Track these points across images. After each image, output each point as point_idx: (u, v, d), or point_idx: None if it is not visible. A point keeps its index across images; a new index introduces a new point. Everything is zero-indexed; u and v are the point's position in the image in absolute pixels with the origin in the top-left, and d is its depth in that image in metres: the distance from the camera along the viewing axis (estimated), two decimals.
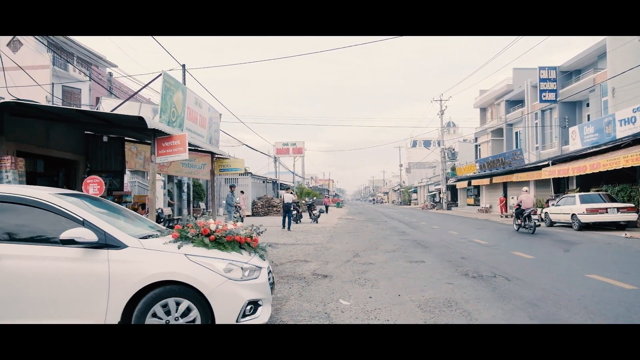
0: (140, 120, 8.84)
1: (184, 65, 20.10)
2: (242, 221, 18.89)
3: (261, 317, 4.40)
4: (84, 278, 4.01)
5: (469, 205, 45.26)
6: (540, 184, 28.40)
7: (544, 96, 29.22)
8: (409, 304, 6.00)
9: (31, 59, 23.58)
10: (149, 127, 8.87)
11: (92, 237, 4.03)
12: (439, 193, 51.54)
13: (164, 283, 4.09)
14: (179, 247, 4.34)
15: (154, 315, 4.04)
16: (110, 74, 28.97)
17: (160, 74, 10.27)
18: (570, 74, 29.34)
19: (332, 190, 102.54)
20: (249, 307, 4.30)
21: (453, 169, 49.11)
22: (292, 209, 21.58)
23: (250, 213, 29.49)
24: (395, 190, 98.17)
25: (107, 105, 15.14)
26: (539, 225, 16.68)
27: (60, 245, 4.04)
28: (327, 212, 37.97)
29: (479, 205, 40.56)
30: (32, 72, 19.90)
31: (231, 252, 4.53)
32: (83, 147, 13.04)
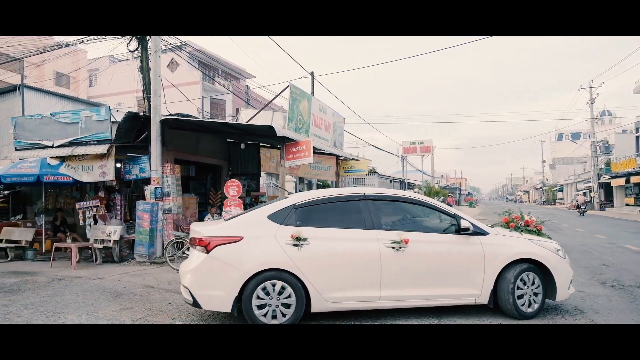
0: (270, 129, 9.84)
1: (312, 73, 21.35)
2: None
3: (571, 288, 5.52)
4: (467, 257, 5.21)
5: (627, 205, 39.42)
6: None
7: None
8: None
9: (185, 76, 27.21)
10: (277, 134, 9.82)
11: (470, 226, 5.26)
12: (590, 192, 45.86)
13: (522, 261, 5.24)
14: (520, 233, 5.54)
15: (520, 281, 5.19)
16: (248, 87, 31.93)
17: (288, 86, 11.19)
18: None
19: (465, 189, 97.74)
20: (571, 280, 5.49)
21: (607, 164, 43.25)
22: None
23: None
24: (537, 189, 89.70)
25: (245, 115, 16.87)
26: (586, 210, 33.48)
27: (441, 232, 5.33)
28: None
29: None
30: (186, 88, 23.02)
31: (544, 237, 5.66)
32: (226, 153, 14.79)
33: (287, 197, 5.57)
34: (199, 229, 5.20)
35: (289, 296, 4.81)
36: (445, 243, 5.24)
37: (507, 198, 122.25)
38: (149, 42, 11.38)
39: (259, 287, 4.76)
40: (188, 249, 9.31)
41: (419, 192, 23.85)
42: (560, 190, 67.93)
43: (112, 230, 10.43)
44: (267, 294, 4.78)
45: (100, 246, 10.37)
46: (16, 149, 11.57)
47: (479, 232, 5.32)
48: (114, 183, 12.15)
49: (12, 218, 13.18)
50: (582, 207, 33.27)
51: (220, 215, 10.94)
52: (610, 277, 7.93)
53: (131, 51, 11.91)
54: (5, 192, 13.79)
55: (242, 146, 13.41)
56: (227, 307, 4.76)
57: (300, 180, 23.17)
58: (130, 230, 11.02)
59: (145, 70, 11.64)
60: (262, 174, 17.25)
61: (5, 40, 18.71)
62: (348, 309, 5.08)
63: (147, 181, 10.95)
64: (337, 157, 15.79)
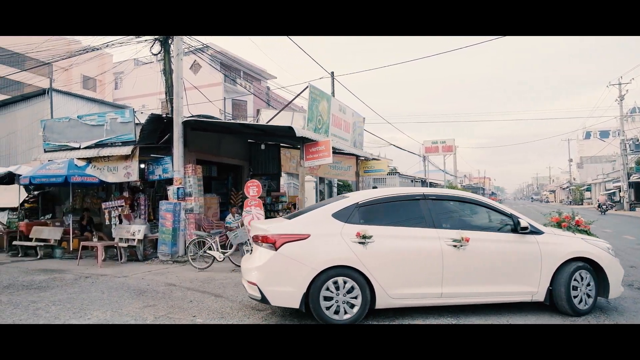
0: (289, 129, 9.90)
1: (332, 73, 21.37)
2: None
3: (621, 287, 5.61)
4: (524, 255, 5.35)
5: None
6: None
7: None
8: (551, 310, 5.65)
9: (207, 78, 27.54)
10: (297, 135, 9.87)
11: (529, 226, 5.42)
12: (619, 191, 44.50)
13: (576, 259, 5.38)
14: (573, 233, 5.72)
15: (575, 279, 5.31)
16: (268, 88, 32.17)
17: (307, 86, 11.24)
18: None
19: (489, 189, 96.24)
20: (622, 278, 5.61)
21: (638, 162, 41.89)
22: None
23: None
24: (563, 189, 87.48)
25: (265, 116, 17.02)
26: (607, 210, 35.03)
27: (496, 231, 5.46)
28: None
29: None
30: (208, 90, 23.36)
31: (593, 236, 5.84)
32: (247, 153, 14.94)
33: (347, 197, 5.71)
34: (264, 227, 5.31)
35: (354, 292, 4.93)
36: (503, 242, 5.36)
37: (532, 198, 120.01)
38: (171, 45, 11.60)
39: (326, 283, 4.89)
40: (210, 248, 9.47)
41: None
42: (588, 189, 66.06)
43: (137, 230, 10.68)
44: (334, 290, 4.91)
45: (125, 245, 10.63)
46: (45, 151, 11.96)
47: (535, 232, 5.46)
48: (138, 183, 12.42)
49: (42, 217, 13.63)
50: (602, 207, 35.38)
51: (241, 215, 11.06)
52: (637, 279, 7.70)
53: (154, 54, 12.16)
54: (35, 193, 14.26)
55: (263, 146, 13.53)
56: (295, 303, 4.87)
57: (321, 180, 23.22)
58: (154, 230, 11.26)
59: (167, 72, 11.87)
60: (283, 174, 17.35)
61: (35, 45, 19.35)
62: (410, 305, 5.22)
63: (170, 181, 11.16)
64: (357, 157, 15.76)
